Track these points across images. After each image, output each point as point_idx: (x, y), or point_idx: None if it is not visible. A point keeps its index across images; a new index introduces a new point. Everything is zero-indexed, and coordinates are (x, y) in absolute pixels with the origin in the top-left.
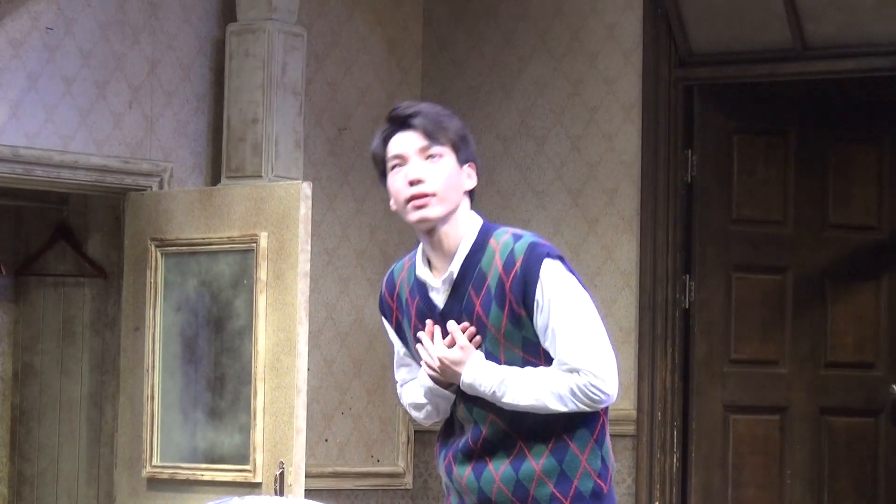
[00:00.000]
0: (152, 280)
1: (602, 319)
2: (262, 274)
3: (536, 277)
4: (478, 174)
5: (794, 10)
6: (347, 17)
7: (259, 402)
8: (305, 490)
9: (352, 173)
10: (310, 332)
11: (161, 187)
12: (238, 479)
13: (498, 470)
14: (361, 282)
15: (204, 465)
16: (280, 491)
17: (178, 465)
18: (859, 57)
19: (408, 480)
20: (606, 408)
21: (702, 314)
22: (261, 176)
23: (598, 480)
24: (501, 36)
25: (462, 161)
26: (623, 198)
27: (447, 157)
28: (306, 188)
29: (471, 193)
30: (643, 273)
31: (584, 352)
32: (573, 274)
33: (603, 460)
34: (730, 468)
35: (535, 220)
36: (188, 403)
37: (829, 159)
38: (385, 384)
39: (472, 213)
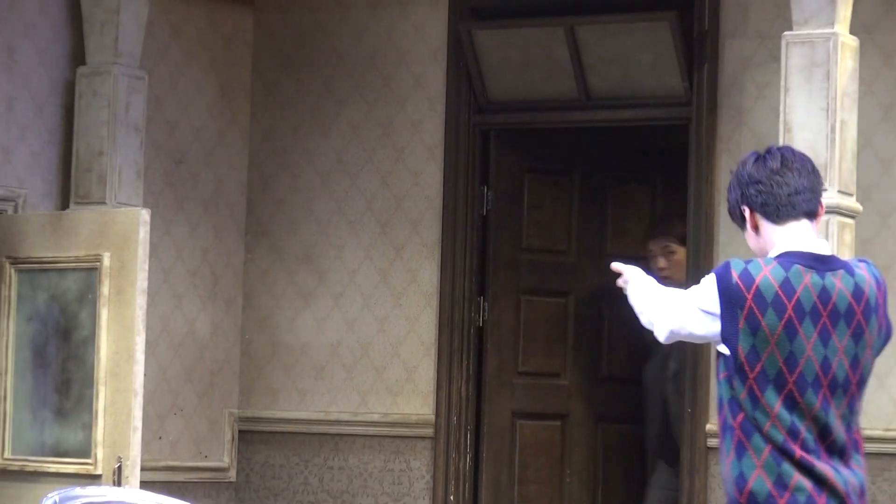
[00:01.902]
0: (6, 294)
1: (681, 307)
2: (105, 290)
3: None
4: (750, 209)
5: (579, 66)
6: (185, 63)
7: (100, 403)
8: (141, 482)
9: (186, 202)
10: (146, 342)
11: (16, 211)
12: (81, 472)
13: None
14: (193, 298)
15: (50, 459)
16: (118, 482)
17: (27, 457)
18: (635, 108)
19: (232, 474)
20: (747, 428)
21: (494, 331)
22: (105, 202)
23: (735, 489)
24: (321, 83)
25: (740, 222)
26: (426, 228)
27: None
28: (145, 214)
29: (773, 221)
30: (443, 294)
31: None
32: (710, 280)
33: (742, 473)
34: (516, 467)
35: (348, 247)
36: (37, 403)
37: (607, 197)
38: (213, 389)
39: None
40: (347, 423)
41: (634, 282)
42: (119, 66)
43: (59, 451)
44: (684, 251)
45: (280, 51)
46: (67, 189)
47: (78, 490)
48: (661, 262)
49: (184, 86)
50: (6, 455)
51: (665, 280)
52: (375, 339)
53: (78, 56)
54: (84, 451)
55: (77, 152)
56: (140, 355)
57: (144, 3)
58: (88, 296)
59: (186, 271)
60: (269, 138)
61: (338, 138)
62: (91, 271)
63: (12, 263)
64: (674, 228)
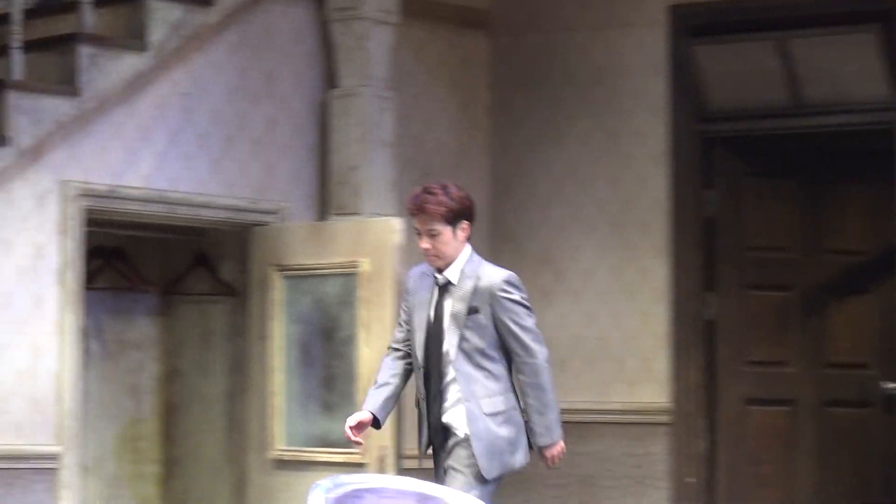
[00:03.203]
0: (273, 298)
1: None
2: (364, 293)
3: None
4: None
5: (791, 75)
6: (428, 84)
7: (363, 397)
8: (400, 469)
9: None
10: None
11: (280, 222)
12: (348, 461)
13: None
14: None
15: (320, 449)
16: (381, 470)
17: (299, 448)
18: (844, 113)
19: None
20: None
21: (723, 323)
22: (360, 213)
23: None
24: (552, 98)
25: None
26: (655, 229)
27: None
28: (397, 223)
29: None
30: (676, 290)
31: None
32: None
33: None
34: (749, 450)
35: (583, 248)
36: (305, 398)
37: (824, 197)
38: None
39: None
40: (589, 411)
41: None
42: (368, 88)
43: (327, 442)
44: (451, 230)
45: (514, 70)
46: (325, 201)
47: (343, 477)
48: (425, 244)
49: (427, 104)
50: (279, 446)
51: (434, 259)
52: (612, 334)
53: (331, 80)
54: (349, 442)
55: (333, 167)
56: None
57: (389, 31)
58: (348, 299)
59: None
60: (507, 151)
61: (569, 149)
62: (350, 276)
63: (278, 270)
64: (439, 208)
